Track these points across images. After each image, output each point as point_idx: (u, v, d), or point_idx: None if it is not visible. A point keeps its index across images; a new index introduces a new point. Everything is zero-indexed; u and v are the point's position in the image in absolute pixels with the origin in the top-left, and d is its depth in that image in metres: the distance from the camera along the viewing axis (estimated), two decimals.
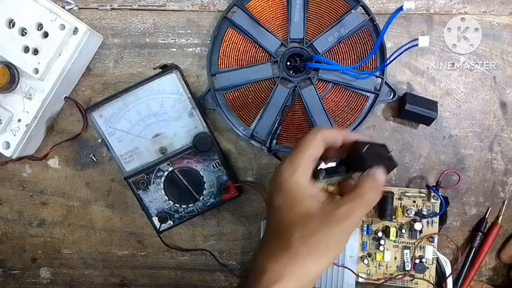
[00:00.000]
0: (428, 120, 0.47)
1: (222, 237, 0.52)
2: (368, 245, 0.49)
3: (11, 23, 0.46)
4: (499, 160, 0.50)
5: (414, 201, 0.49)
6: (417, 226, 0.48)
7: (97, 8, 0.50)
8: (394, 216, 0.48)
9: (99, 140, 0.48)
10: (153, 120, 0.47)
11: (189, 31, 0.50)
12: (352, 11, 0.47)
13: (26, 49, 0.46)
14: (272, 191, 0.37)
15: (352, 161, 0.38)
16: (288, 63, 0.48)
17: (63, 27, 0.45)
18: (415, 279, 0.49)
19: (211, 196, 0.49)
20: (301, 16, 0.47)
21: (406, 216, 0.49)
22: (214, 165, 0.48)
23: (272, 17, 0.48)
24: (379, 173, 0.37)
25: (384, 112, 0.50)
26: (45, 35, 0.46)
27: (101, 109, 0.47)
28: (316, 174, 0.37)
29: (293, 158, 0.36)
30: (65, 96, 0.50)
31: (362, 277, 0.49)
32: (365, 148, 0.38)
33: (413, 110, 0.46)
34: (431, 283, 0.49)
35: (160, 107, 0.47)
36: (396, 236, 0.49)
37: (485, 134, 0.50)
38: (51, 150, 0.51)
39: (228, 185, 0.49)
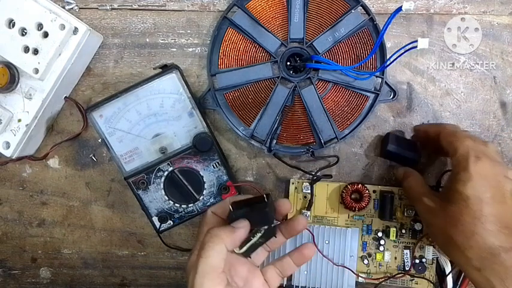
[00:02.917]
0: (410, 162, 0.48)
1: None
2: (368, 245, 0.50)
3: (11, 23, 0.46)
4: None
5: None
6: (417, 226, 0.48)
7: (97, 8, 0.50)
8: (394, 216, 0.48)
9: (99, 140, 0.48)
10: (153, 120, 0.47)
11: (189, 31, 0.50)
12: (352, 11, 0.47)
13: (26, 49, 0.46)
14: None
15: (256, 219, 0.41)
16: (288, 63, 0.48)
17: (63, 27, 0.45)
18: (415, 279, 0.49)
19: (211, 196, 0.49)
20: (301, 16, 0.47)
21: (406, 216, 0.49)
22: (214, 165, 0.48)
23: (272, 17, 0.48)
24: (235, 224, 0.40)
25: (384, 112, 0.50)
26: (45, 35, 0.46)
27: (101, 109, 0.47)
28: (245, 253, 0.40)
29: (204, 251, 0.38)
30: (65, 96, 0.50)
31: (362, 277, 0.49)
32: (237, 209, 0.41)
33: (395, 151, 0.47)
34: (431, 283, 0.49)
35: (160, 107, 0.47)
36: (396, 236, 0.49)
37: (485, 134, 0.50)
38: (51, 150, 0.51)
39: (228, 185, 0.49)
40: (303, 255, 0.44)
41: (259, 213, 0.40)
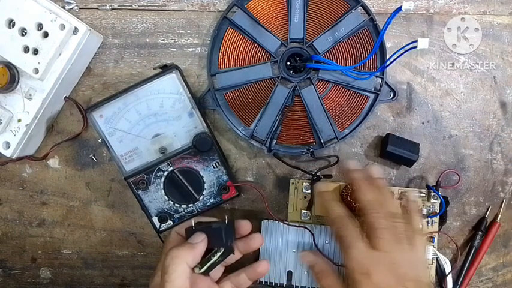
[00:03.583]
0: (409, 162, 0.48)
1: None
2: None
3: (11, 23, 0.46)
4: (499, 160, 0.50)
5: (414, 201, 0.49)
6: None
7: (97, 8, 0.50)
8: None
9: (99, 140, 0.48)
10: (153, 120, 0.47)
11: (189, 31, 0.50)
12: (352, 11, 0.47)
13: (26, 49, 0.46)
14: None
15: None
16: (288, 63, 0.48)
17: (63, 27, 0.45)
18: None
19: (211, 196, 0.49)
20: (301, 16, 0.47)
21: None
22: (214, 165, 0.48)
23: (272, 17, 0.48)
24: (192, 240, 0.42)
25: (384, 112, 0.50)
26: (45, 35, 0.46)
27: (101, 109, 0.47)
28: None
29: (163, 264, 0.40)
30: (65, 96, 0.50)
31: None
32: (195, 226, 0.43)
33: (394, 151, 0.47)
34: (431, 283, 0.48)
35: (160, 107, 0.47)
36: None
37: (485, 134, 0.50)
38: (51, 150, 0.51)
39: (228, 185, 0.49)
40: (257, 272, 0.45)
41: (216, 233, 0.42)
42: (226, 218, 0.43)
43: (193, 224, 0.43)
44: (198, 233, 0.42)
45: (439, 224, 0.49)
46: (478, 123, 0.50)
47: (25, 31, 0.46)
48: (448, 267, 0.49)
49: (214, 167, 0.48)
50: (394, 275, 0.37)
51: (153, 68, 0.49)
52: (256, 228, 0.51)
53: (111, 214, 0.53)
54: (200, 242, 0.41)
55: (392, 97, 0.48)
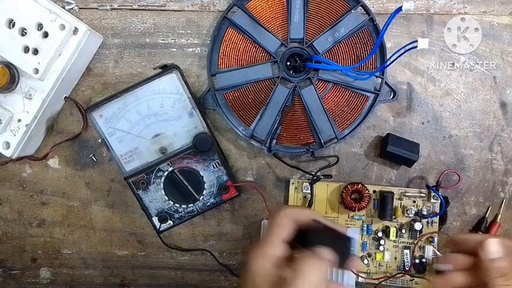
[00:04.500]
0: (409, 162, 0.48)
1: (222, 237, 0.52)
2: (368, 245, 0.50)
3: (11, 23, 0.46)
4: (499, 160, 0.50)
5: (414, 201, 0.49)
6: (417, 226, 0.48)
7: (97, 8, 0.50)
8: (394, 216, 0.48)
9: (99, 140, 0.48)
10: (153, 120, 0.47)
11: (189, 31, 0.50)
12: (352, 11, 0.47)
13: (26, 49, 0.46)
14: (243, 275, 0.38)
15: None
16: (288, 63, 0.48)
17: (63, 27, 0.45)
18: (415, 279, 0.49)
19: (211, 196, 0.49)
20: (301, 16, 0.47)
21: (406, 216, 0.49)
22: (214, 165, 0.48)
23: (272, 17, 0.48)
24: (321, 253, 0.36)
25: (384, 112, 0.50)
26: (45, 35, 0.46)
27: (101, 109, 0.47)
28: None
29: (261, 241, 0.38)
30: (65, 96, 0.50)
31: (362, 277, 0.49)
32: (316, 229, 0.38)
33: (394, 151, 0.47)
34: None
35: (160, 107, 0.47)
36: (396, 236, 0.49)
37: (485, 134, 0.50)
38: (51, 150, 0.51)
39: (228, 185, 0.49)
40: None
41: (343, 254, 0.38)
42: (350, 240, 0.39)
43: (312, 226, 0.38)
44: (330, 251, 0.37)
45: (439, 224, 0.49)
46: (478, 123, 0.50)
47: (25, 31, 0.46)
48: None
49: (214, 167, 0.48)
50: None
51: (153, 68, 0.49)
52: (256, 229, 0.52)
53: (111, 214, 0.53)
54: (330, 263, 0.37)
55: (392, 97, 0.48)
